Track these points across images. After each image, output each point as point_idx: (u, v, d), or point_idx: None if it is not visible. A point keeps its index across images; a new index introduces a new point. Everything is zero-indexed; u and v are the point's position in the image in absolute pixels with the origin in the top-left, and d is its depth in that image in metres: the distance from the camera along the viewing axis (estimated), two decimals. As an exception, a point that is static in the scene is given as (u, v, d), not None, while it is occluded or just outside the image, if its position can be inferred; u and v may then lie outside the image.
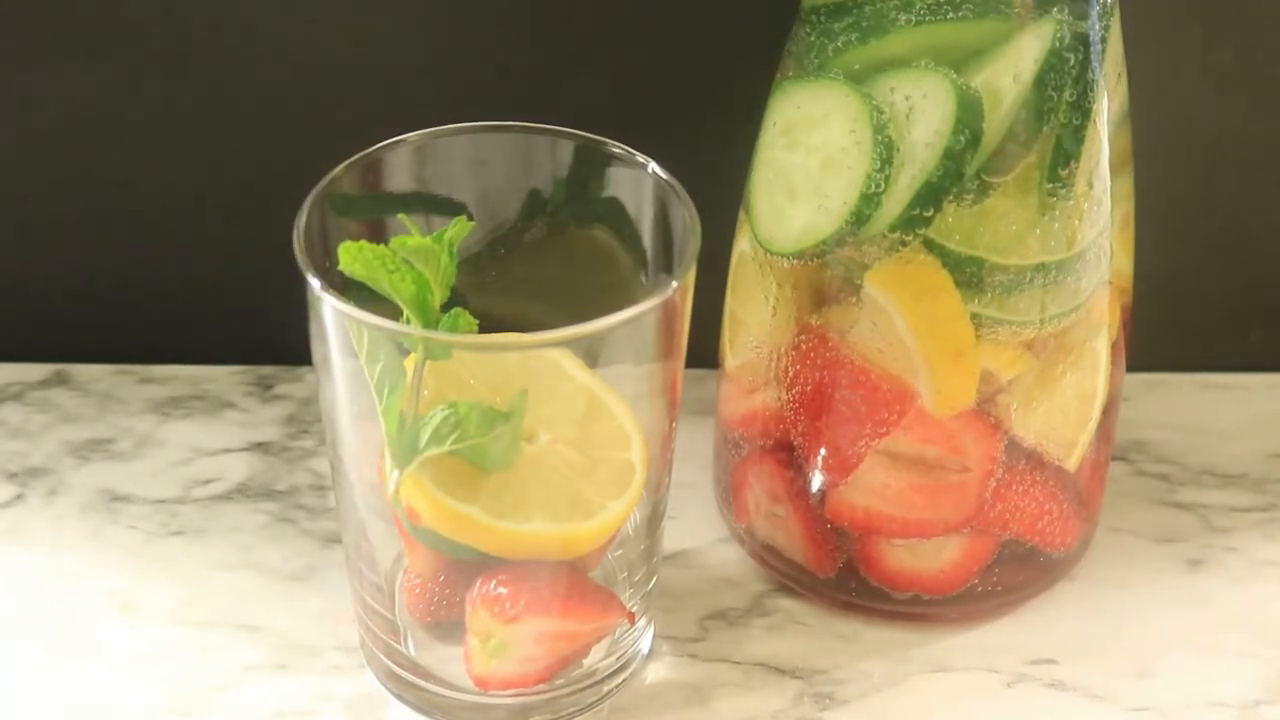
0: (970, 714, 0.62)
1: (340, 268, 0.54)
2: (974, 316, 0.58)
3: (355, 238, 0.55)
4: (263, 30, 0.69)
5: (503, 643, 0.57)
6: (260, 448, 0.72)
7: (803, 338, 0.60)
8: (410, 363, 0.55)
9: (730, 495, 0.67)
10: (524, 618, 0.57)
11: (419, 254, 0.54)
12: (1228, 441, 0.74)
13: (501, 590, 0.57)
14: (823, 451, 0.62)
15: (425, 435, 0.55)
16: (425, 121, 0.60)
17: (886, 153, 0.56)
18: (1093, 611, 0.66)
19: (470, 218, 0.56)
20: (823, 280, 0.59)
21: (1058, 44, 0.55)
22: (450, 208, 0.60)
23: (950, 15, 0.55)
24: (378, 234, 0.57)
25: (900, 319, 0.58)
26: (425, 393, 0.55)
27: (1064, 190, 0.57)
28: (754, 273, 0.62)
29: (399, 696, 0.61)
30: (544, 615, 0.57)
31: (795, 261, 0.59)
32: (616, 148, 0.59)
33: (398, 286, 0.55)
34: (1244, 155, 0.73)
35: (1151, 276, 0.67)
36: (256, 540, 0.68)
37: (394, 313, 0.55)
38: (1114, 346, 0.62)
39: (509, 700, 0.60)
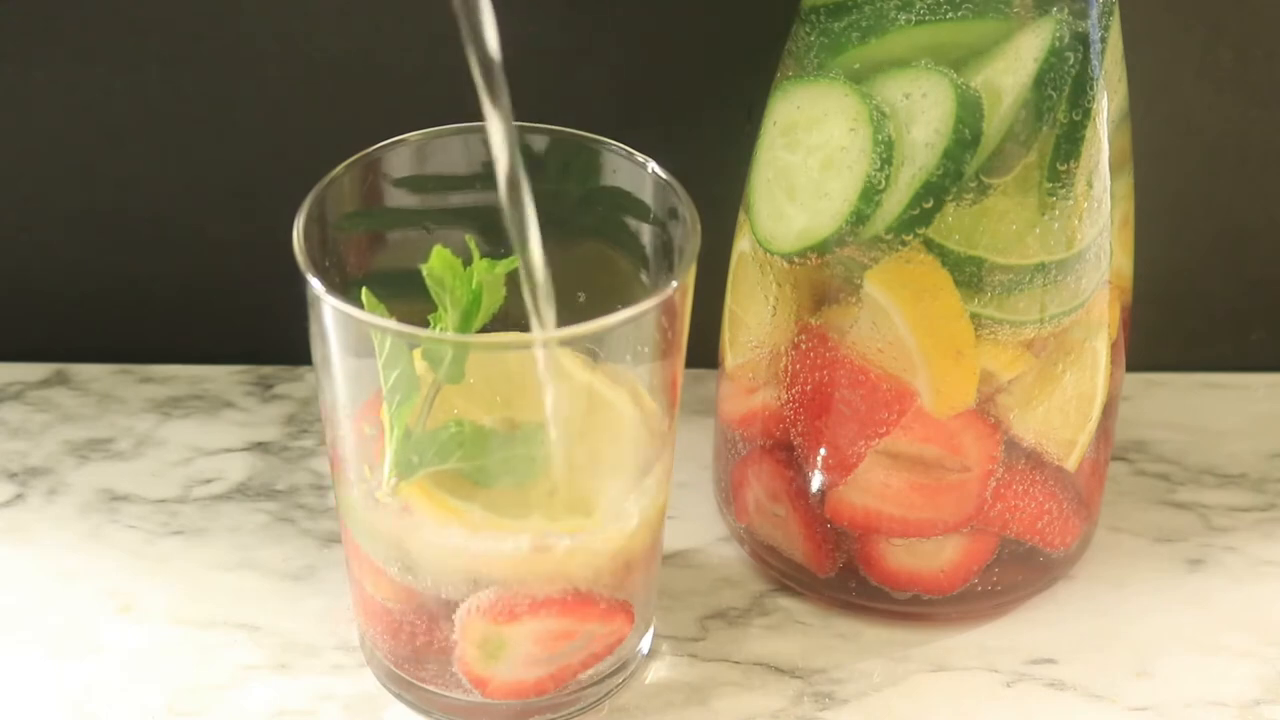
0: (970, 714, 0.62)
1: (425, 264, 0.55)
2: (974, 316, 0.58)
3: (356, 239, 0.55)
4: (263, 30, 0.69)
5: (501, 642, 0.57)
6: (260, 447, 0.73)
7: (803, 337, 0.60)
8: (419, 366, 0.55)
9: (730, 495, 0.67)
10: (524, 617, 0.57)
11: (490, 279, 0.56)
12: (1228, 441, 0.74)
13: (499, 591, 0.57)
14: (823, 451, 0.62)
15: (429, 451, 0.55)
16: (425, 121, 0.60)
17: (886, 152, 0.56)
18: (1092, 611, 0.66)
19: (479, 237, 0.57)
20: (823, 280, 0.59)
21: (1057, 43, 0.55)
22: (449, 217, 0.60)
23: (950, 15, 0.55)
24: (378, 240, 0.57)
25: (900, 318, 0.58)
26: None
27: (1064, 190, 0.57)
28: (754, 273, 0.62)
29: (399, 696, 0.61)
30: (543, 615, 0.57)
31: (795, 261, 0.59)
32: (616, 148, 0.59)
33: (457, 297, 0.55)
34: (1244, 155, 0.73)
35: (1151, 276, 0.67)
36: (256, 540, 0.68)
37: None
38: (1114, 346, 0.62)
39: (508, 700, 0.60)
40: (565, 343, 0.57)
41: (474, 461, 0.55)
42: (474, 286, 0.56)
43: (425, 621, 0.58)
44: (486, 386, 0.56)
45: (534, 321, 0.55)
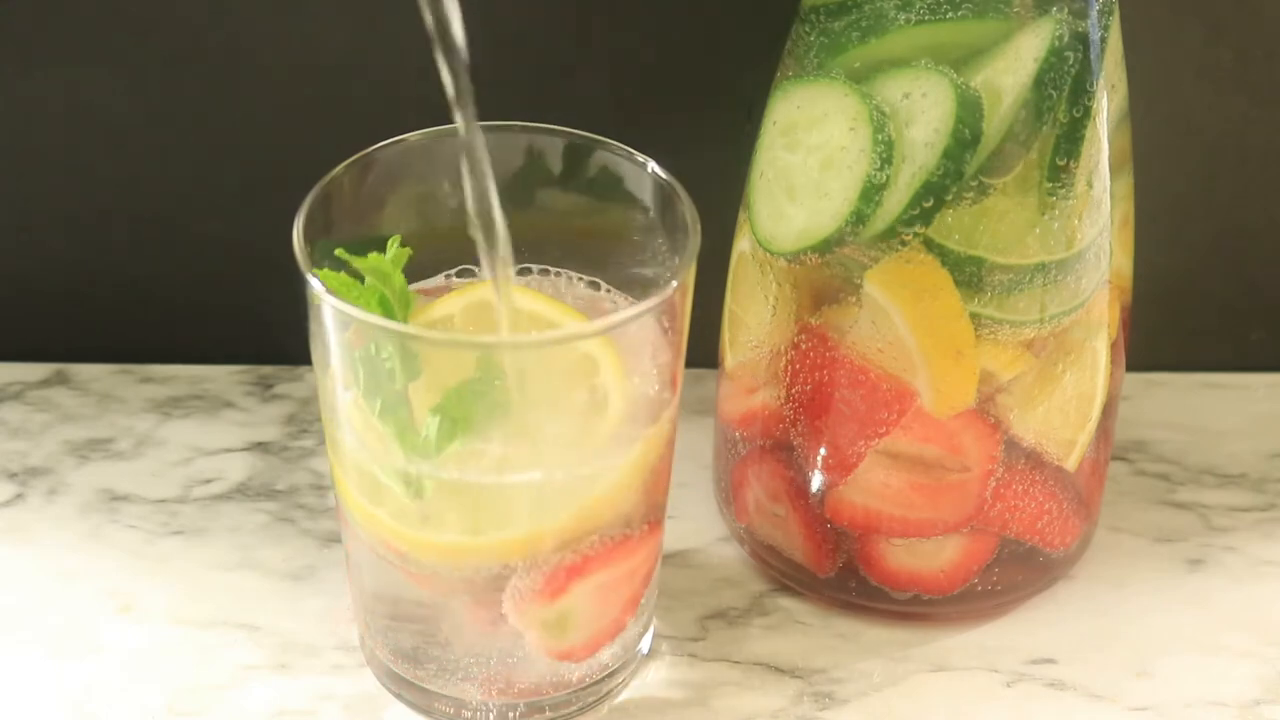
0: (970, 714, 0.62)
1: (368, 262, 0.55)
2: (974, 316, 0.58)
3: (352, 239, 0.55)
4: (263, 30, 0.69)
5: (562, 614, 0.57)
6: (260, 447, 0.72)
7: (803, 337, 0.60)
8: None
9: (730, 495, 0.67)
10: (570, 585, 0.57)
11: (375, 271, 0.55)
12: (1228, 441, 0.74)
13: (534, 570, 0.56)
14: (822, 451, 0.62)
15: (432, 454, 0.54)
16: (425, 121, 0.60)
17: (886, 152, 0.56)
18: (1092, 611, 0.66)
19: (402, 243, 0.57)
20: (823, 280, 0.59)
21: (1057, 43, 0.55)
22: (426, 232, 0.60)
23: (950, 14, 0.55)
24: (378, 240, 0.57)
25: (900, 318, 0.58)
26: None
27: (1063, 190, 0.57)
28: (754, 273, 0.62)
29: (399, 696, 0.61)
30: (586, 573, 0.57)
31: (795, 261, 0.59)
32: (616, 148, 0.59)
33: (370, 305, 0.55)
34: (1244, 155, 0.73)
35: (1151, 276, 0.67)
36: (256, 540, 0.68)
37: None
38: (1114, 346, 0.62)
39: (509, 699, 0.60)
40: (565, 342, 0.57)
41: (472, 428, 0.54)
42: (374, 290, 0.55)
43: (455, 611, 0.58)
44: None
45: (497, 293, 0.55)
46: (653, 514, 0.59)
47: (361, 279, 0.56)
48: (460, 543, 0.56)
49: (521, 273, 0.61)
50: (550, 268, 0.61)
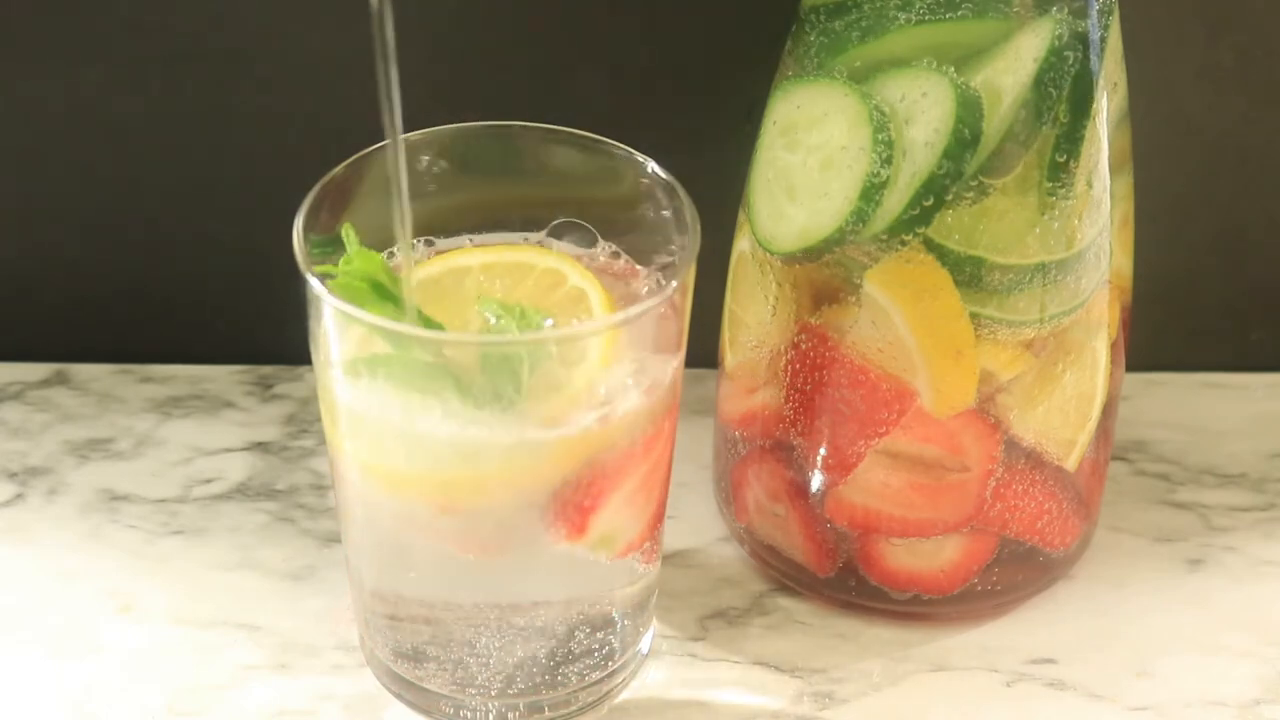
0: (970, 714, 0.62)
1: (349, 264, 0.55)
2: (974, 316, 0.58)
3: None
4: (262, 30, 0.69)
5: (606, 534, 0.57)
6: (260, 447, 0.73)
7: (803, 337, 0.60)
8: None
9: (730, 495, 0.67)
10: (598, 503, 0.56)
11: (354, 273, 0.55)
12: (1227, 441, 0.74)
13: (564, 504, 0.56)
14: (822, 451, 0.62)
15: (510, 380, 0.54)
16: (425, 121, 0.60)
17: (886, 152, 0.56)
18: (1092, 611, 0.66)
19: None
20: (823, 280, 0.59)
21: (1057, 43, 0.55)
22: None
23: (949, 14, 0.55)
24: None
25: (900, 318, 0.58)
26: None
27: (1063, 190, 0.57)
28: (754, 272, 0.62)
29: (399, 696, 0.61)
30: (612, 489, 0.57)
31: (795, 261, 0.59)
32: (617, 148, 0.59)
33: (369, 302, 0.55)
34: (1244, 155, 0.73)
35: (1151, 276, 0.67)
36: (256, 540, 0.68)
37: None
38: (1114, 346, 0.62)
39: (509, 700, 0.60)
40: (565, 342, 0.57)
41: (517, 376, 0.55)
42: (363, 283, 0.55)
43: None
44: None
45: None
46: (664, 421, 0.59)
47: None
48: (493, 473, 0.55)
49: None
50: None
